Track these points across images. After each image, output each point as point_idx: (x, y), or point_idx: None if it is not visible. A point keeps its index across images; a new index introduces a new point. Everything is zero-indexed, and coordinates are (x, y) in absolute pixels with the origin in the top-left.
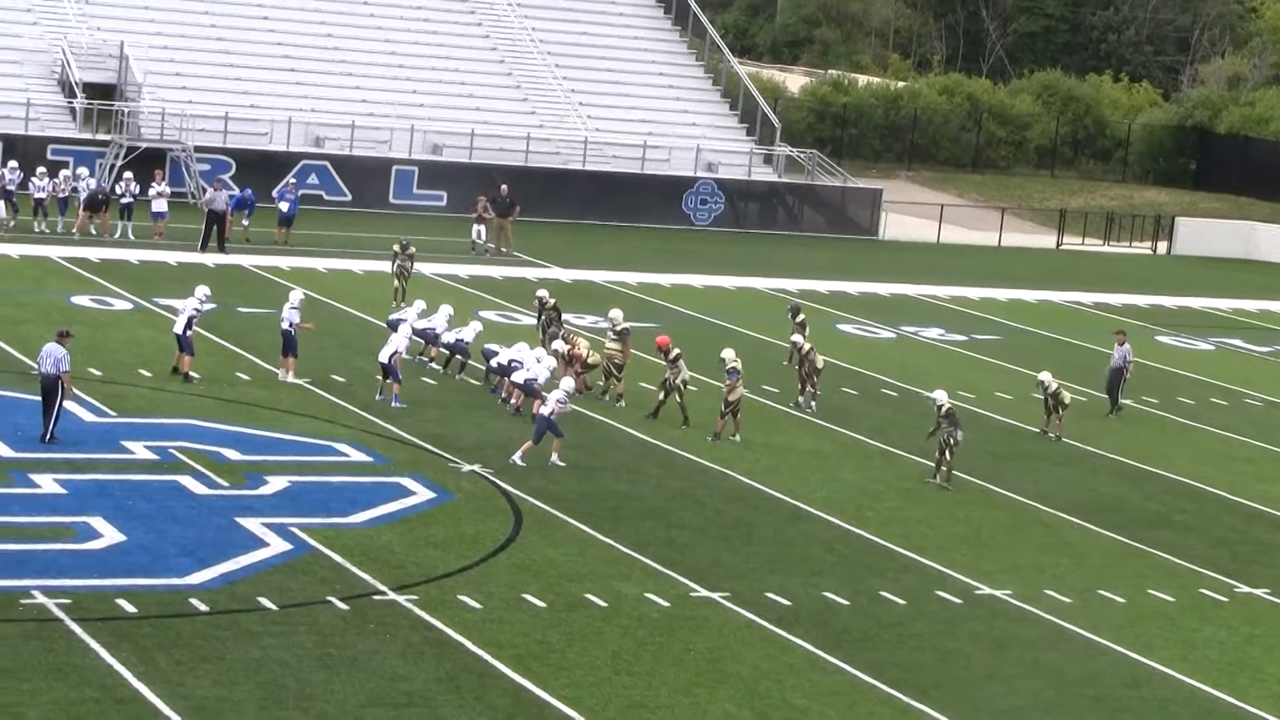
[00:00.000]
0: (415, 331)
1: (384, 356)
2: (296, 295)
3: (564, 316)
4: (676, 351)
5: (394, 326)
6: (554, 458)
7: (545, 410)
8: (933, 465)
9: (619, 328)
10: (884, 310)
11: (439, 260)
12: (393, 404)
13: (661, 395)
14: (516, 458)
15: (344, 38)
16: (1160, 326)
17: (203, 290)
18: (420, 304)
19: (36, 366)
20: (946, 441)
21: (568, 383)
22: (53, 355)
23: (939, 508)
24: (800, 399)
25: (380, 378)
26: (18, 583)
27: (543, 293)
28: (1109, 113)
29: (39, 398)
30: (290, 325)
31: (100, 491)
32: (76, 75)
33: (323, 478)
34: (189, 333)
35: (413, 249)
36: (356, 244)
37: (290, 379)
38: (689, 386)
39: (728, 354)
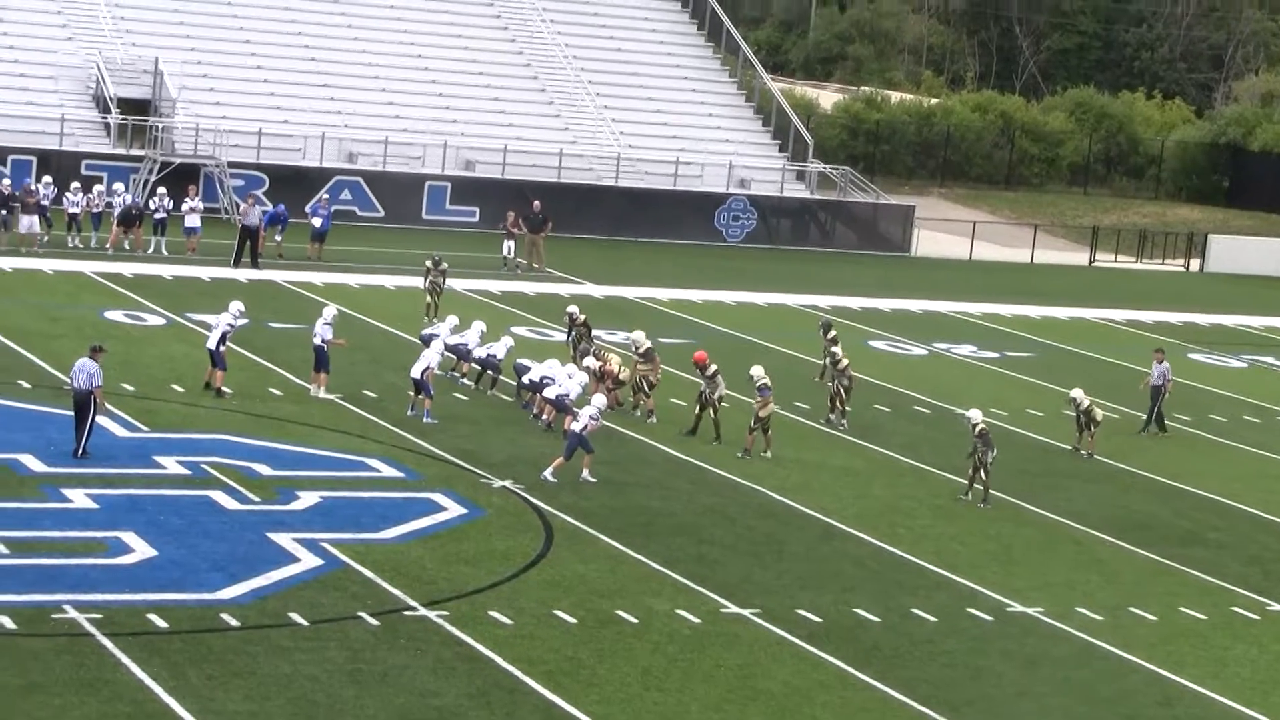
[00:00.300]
0: (447, 347)
1: (416, 372)
2: (330, 311)
3: (595, 332)
4: (714, 367)
5: (426, 342)
6: (585, 473)
7: (577, 426)
8: (965, 483)
9: (642, 349)
10: (916, 327)
11: (471, 276)
12: (424, 419)
13: (697, 410)
14: (548, 473)
15: (377, 53)
16: (1193, 344)
17: (236, 306)
18: (453, 319)
19: (69, 381)
20: (981, 461)
21: (600, 399)
22: (85, 370)
23: (971, 525)
24: (831, 415)
25: (412, 393)
26: (49, 597)
27: (573, 309)
28: (1142, 130)
29: (71, 413)
30: (323, 341)
31: (132, 506)
32: (111, 90)
33: (354, 493)
34: (222, 348)
35: (445, 265)
36: (389, 260)
37: (322, 394)
38: (724, 403)
39: (756, 371)
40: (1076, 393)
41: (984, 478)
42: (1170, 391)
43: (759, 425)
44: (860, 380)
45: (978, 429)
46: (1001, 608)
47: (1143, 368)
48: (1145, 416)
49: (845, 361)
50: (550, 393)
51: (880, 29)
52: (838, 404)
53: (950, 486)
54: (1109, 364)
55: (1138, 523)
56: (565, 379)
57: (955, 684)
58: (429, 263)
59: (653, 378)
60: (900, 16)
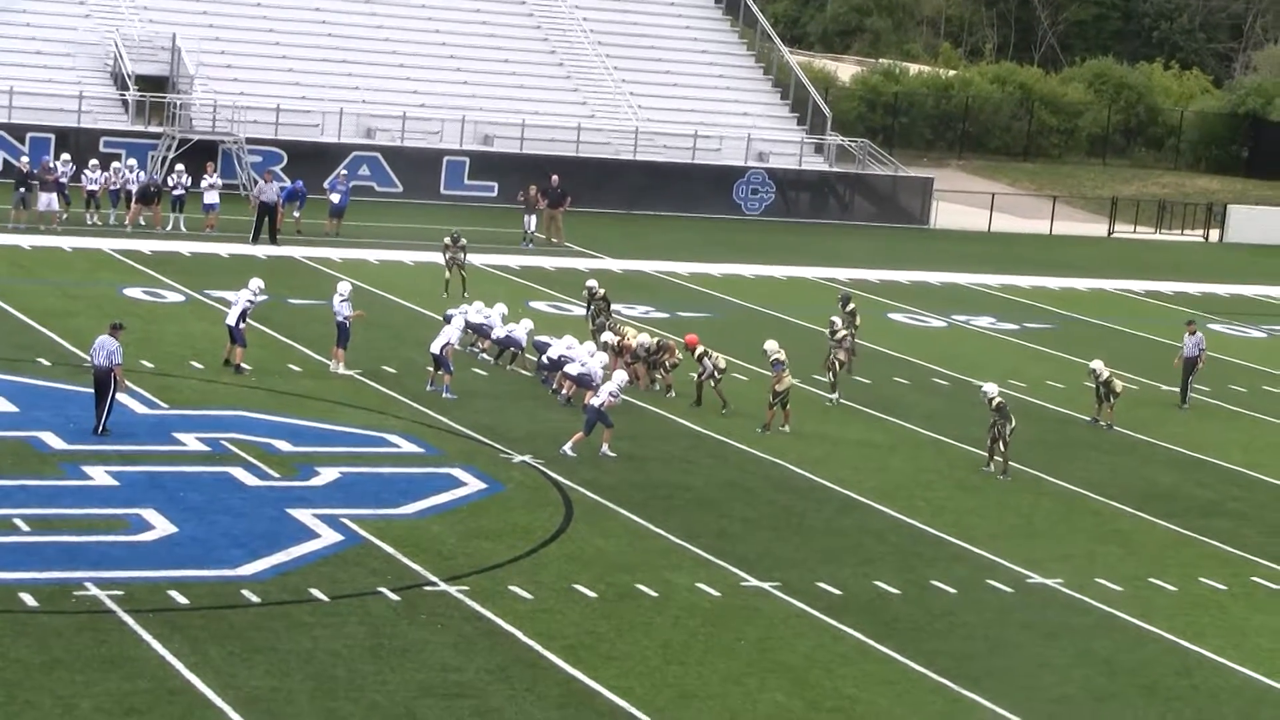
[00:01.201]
0: (469, 324)
1: (435, 348)
2: (344, 286)
3: (614, 307)
4: (701, 350)
5: (448, 319)
6: (604, 448)
7: (596, 401)
8: (985, 455)
9: (650, 346)
10: (935, 299)
11: (491, 251)
12: (444, 395)
13: (697, 393)
14: (567, 448)
15: (395, 29)
16: (1213, 315)
17: (256, 283)
18: (479, 304)
19: (89, 359)
20: (1000, 433)
21: (620, 376)
22: (105, 348)
23: (990, 497)
24: (833, 396)
25: (431, 369)
26: (71, 575)
27: (592, 283)
28: (1161, 100)
29: (91, 390)
30: (344, 318)
31: (152, 483)
32: (129, 67)
33: (374, 469)
34: (242, 325)
35: (464, 241)
36: (407, 235)
37: (341, 370)
38: (720, 375)
39: (770, 346)
40: (1096, 364)
41: (1003, 450)
42: (1204, 363)
43: (777, 400)
44: (879, 353)
45: (994, 403)
46: (1021, 579)
47: (1161, 338)
48: (1180, 390)
49: (842, 333)
50: (573, 369)
51: (898, 1)
52: (831, 376)
53: (970, 459)
54: (1128, 335)
55: (1158, 493)
56: (587, 357)
57: (975, 656)
58: (448, 239)
59: (669, 361)
60: None
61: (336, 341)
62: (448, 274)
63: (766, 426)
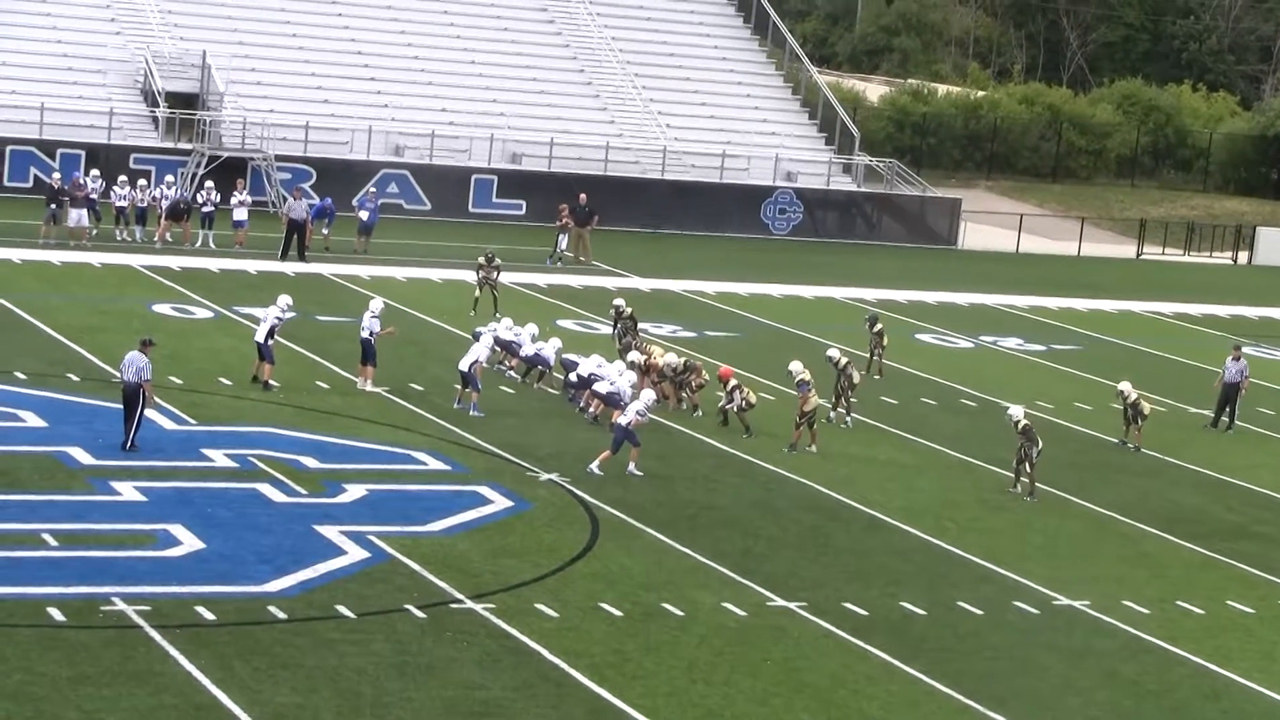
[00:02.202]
0: (497, 341)
1: (464, 365)
2: (377, 304)
3: (641, 325)
4: (734, 383)
5: (476, 337)
6: (631, 467)
7: (624, 420)
8: (1012, 476)
9: (676, 367)
10: (962, 320)
11: (518, 270)
12: (471, 412)
13: (722, 419)
14: (594, 466)
15: (424, 47)
16: (1241, 337)
17: (285, 300)
18: (508, 321)
19: (118, 375)
20: (1026, 454)
21: (648, 395)
22: (134, 364)
23: (1017, 518)
24: (833, 414)
25: (459, 386)
26: (98, 589)
27: (619, 302)
28: (1190, 122)
29: (120, 405)
30: (370, 334)
31: (180, 499)
32: (159, 84)
33: (401, 486)
34: (270, 341)
35: (498, 260)
36: (436, 253)
37: (369, 387)
38: (749, 407)
39: (795, 366)
40: (1124, 385)
41: (1029, 471)
42: (1246, 390)
43: (804, 420)
44: (906, 373)
45: (1020, 425)
46: (1047, 601)
47: (1189, 360)
48: (1219, 415)
49: (844, 360)
50: (602, 388)
51: (926, 21)
52: (843, 402)
53: (996, 480)
54: (1156, 357)
55: (1185, 516)
56: (616, 376)
57: (1001, 677)
58: (482, 259)
59: (696, 381)
60: (946, 8)
61: (361, 359)
62: (478, 292)
63: (793, 446)
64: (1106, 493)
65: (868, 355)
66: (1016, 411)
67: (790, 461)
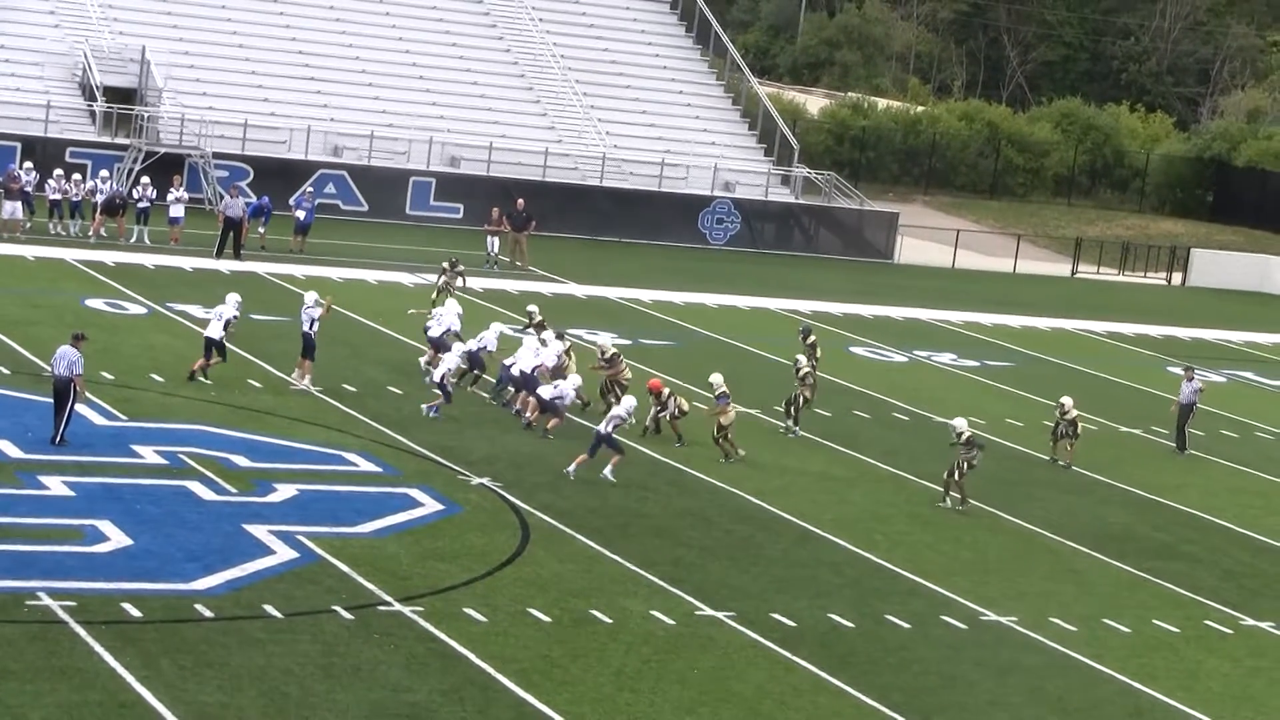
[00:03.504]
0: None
1: (437, 376)
2: (311, 296)
3: (574, 332)
4: (667, 391)
5: (435, 345)
6: (607, 471)
7: (604, 428)
8: (941, 489)
9: (607, 354)
10: (897, 334)
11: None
12: (430, 414)
13: (654, 428)
14: (571, 469)
15: (365, 48)
16: (1173, 358)
17: (234, 298)
18: (440, 311)
19: (49, 369)
20: (960, 465)
21: (629, 401)
22: (66, 358)
23: (947, 533)
24: (787, 423)
25: (439, 391)
26: (23, 584)
27: (533, 308)
28: (1127, 143)
29: (50, 399)
30: (312, 324)
31: (108, 495)
32: (97, 79)
33: (331, 487)
34: (223, 335)
35: (461, 267)
36: (372, 254)
37: (305, 383)
38: (681, 415)
39: (716, 379)
40: (1066, 400)
41: (957, 479)
42: (1196, 412)
43: (720, 434)
44: (840, 385)
45: (964, 437)
46: (975, 616)
47: (1122, 380)
48: (1180, 438)
49: (805, 370)
50: (545, 393)
51: (868, 35)
52: (792, 410)
53: (928, 494)
54: (1089, 375)
55: (1114, 534)
56: (563, 382)
57: (928, 691)
58: (446, 264)
59: (622, 379)
60: (888, 23)
61: (302, 352)
62: (434, 295)
63: (727, 455)
64: (1036, 509)
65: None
66: (959, 423)
67: (722, 472)
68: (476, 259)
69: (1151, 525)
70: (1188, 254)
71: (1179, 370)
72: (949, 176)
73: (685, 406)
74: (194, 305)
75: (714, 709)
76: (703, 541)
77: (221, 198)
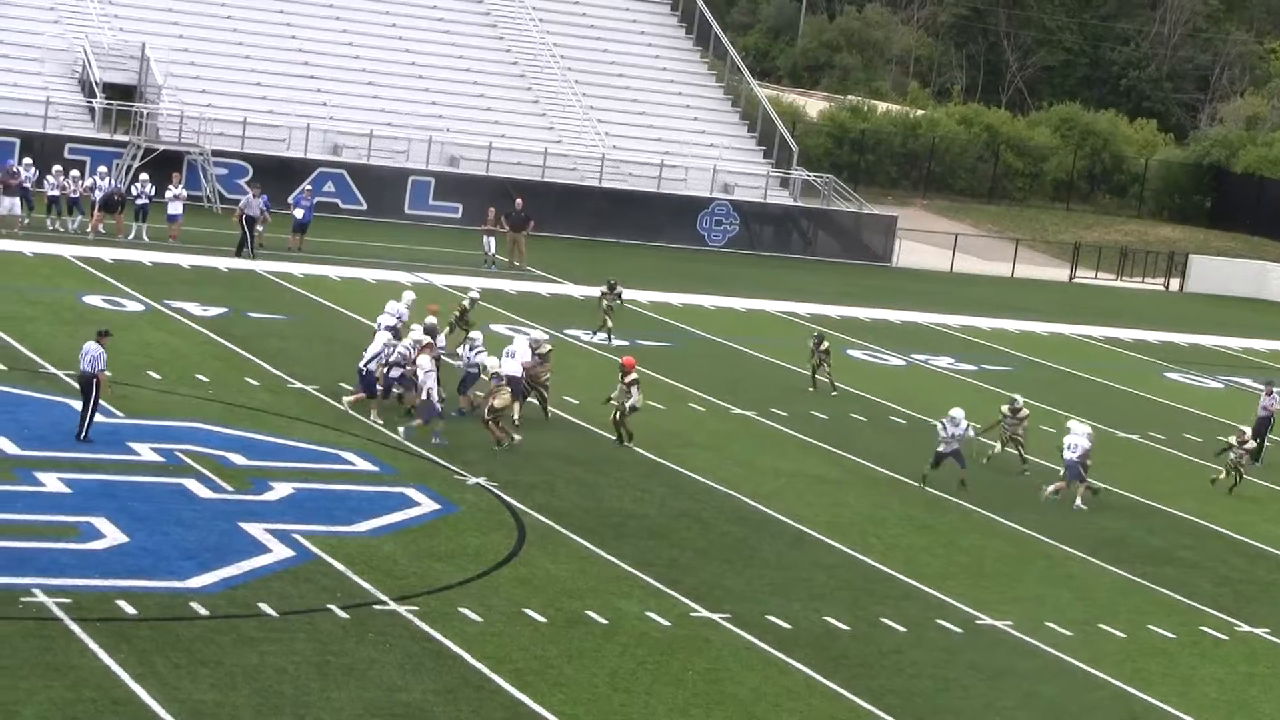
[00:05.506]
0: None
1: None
2: (408, 296)
3: (572, 333)
4: (633, 377)
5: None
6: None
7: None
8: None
9: (541, 350)
10: (895, 337)
11: (452, 273)
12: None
13: (617, 415)
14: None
15: (365, 47)
16: (1170, 363)
17: (406, 297)
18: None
19: (78, 364)
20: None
21: (431, 377)
22: (90, 353)
23: (942, 536)
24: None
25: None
26: (19, 580)
27: (474, 294)
28: (1126, 148)
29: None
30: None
31: (104, 492)
32: (97, 75)
33: (327, 485)
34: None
35: (620, 288)
36: (370, 253)
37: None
38: (633, 411)
39: (491, 361)
40: (1018, 398)
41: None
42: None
43: (492, 417)
44: (837, 389)
45: (1014, 410)
46: (970, 620)
47: (1120, 385)
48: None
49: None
50: (395, 373)
51: (868, 39)
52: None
53: (923, 497)
54: (1087, 380)
55: (1110, 539)
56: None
57: (922, 695)
58: (604, 286)
59: (542, 380)
60: (888, 27)
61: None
62: (604, 317)
63: (499, 442)
64: (1032, 514)
65: (810, 372)
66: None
67: (718, 472)
68: (474, 259)
69: (1147, 530)
70: (1186, 260)
71: (1259, 385)
72: (948, 180)
73: (640, 403)
74: (191, 303)
75: (708, 710)
76: (698, 543)
77: (222, 196)
